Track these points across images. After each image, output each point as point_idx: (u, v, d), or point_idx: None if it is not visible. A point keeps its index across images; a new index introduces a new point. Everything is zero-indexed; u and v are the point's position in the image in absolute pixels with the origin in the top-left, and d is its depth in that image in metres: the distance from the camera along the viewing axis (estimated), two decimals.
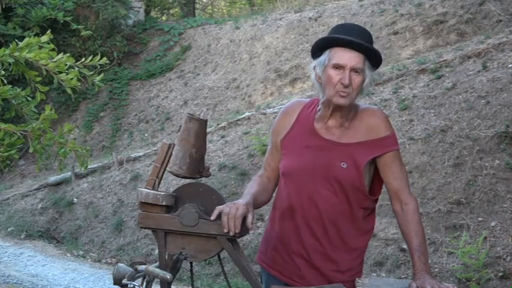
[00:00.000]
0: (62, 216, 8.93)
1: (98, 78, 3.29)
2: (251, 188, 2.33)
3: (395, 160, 2.28)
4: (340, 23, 3.67)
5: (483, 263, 4.72)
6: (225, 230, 2.01)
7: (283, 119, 2.44)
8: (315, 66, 2.28)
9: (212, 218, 2.04)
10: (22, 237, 8.40)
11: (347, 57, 2.18)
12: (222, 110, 11.27)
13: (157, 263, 2.11)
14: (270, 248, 2.43)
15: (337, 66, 2.19)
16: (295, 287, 2.28)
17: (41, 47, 3.07)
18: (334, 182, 2.26)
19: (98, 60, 3.18)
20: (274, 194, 2.49)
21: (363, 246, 2.37)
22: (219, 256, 2.18)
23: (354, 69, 2.19)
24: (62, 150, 3.20)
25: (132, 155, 9.70)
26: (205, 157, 2.22)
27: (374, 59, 2.24)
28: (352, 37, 2.19)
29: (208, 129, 3.33)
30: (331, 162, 2.26)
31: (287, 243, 2.35)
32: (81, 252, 7.75)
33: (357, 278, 2.23)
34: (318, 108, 2.34)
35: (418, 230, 2.21)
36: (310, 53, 2.35)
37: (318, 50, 2.27)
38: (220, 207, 2.04)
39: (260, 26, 12.59)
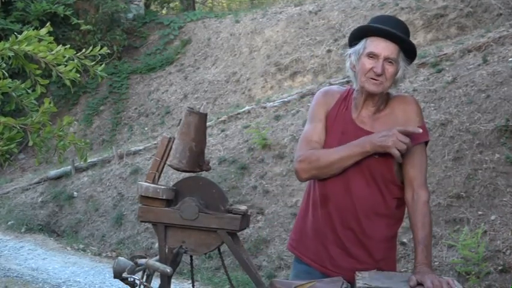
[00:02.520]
0: (62, 209, 8.94)
1: (100, 68, 3.26)
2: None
3: (419, 152, 2.28)
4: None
5: (483, 256, 4.73)
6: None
7: (324, 97, 2.42)
8: (350, 54, 2.31)
9: None
10: (22, 230, 8.40)
11: (382, 46, 2.21)
12: (222, 103, 11.25)
13: (158, 257, 2.11)
14: (303, 236, 2.43)
15: (372, 55, 2.22)
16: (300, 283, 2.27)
17: (40, 40, 3.05)
18: (367, 173, 2.27)
19: (99, 51, 3.15)
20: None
21: (395, 234, 2.39)
22: (219, 250, 2.18)
23: (387, 59, 2.21)
24: (61, 143, 3.18)
25: (132, 149, 9.69)
26: (205, 151, 2.22)
27: (409, 51, 2.27)
28: (388, 28, 2.22)
29: (208, 123, 3.32)
30: None
31: (321, 232, 2.35)
32: (81, 246, 7.76)
33: (356, 271, 2.23)
34: (353, 97, 2.36)
35: (426, 221, 2.20)
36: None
37: (354, 39, 2.30)
38: None
39: (260, 20, 12.55)
